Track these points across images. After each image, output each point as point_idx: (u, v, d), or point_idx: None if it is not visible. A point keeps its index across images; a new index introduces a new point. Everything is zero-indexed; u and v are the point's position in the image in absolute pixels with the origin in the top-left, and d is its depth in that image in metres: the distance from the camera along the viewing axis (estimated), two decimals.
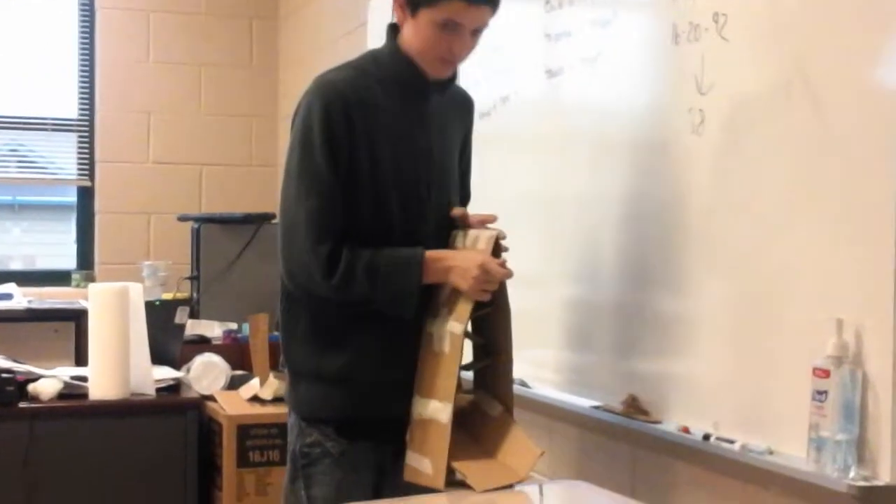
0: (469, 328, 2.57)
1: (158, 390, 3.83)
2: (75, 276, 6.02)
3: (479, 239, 2.60)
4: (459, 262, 2.56)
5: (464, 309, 2.55)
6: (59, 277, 6.13)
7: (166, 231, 6.00)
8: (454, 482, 2.57)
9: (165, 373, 3.97)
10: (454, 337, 2.54)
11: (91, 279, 5.81)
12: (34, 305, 5.34)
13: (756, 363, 2.39)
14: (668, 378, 2.69)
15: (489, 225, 2.67)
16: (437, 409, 2.54)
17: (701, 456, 2.53)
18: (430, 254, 2.57)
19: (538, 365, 3.22)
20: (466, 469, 2.54)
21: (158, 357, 4.12)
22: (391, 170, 2.59)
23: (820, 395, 2.17)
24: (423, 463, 2.55)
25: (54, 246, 6.42)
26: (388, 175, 2.58)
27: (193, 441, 3.77)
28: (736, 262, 2.46)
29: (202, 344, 4.51)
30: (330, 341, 2.62)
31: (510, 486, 2.51)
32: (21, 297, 5.46)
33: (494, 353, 2.68)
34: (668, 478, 2.70)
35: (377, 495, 2.64)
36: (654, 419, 2.70)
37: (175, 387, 3.94)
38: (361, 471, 2.66)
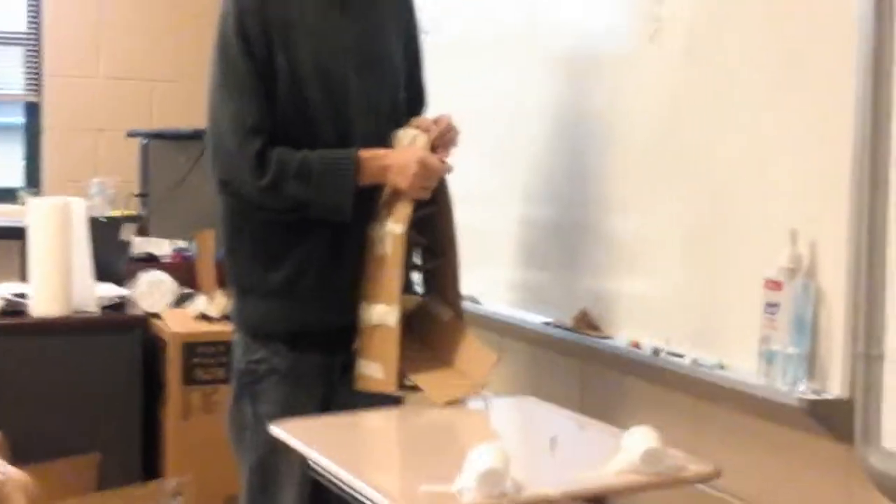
0: (412, 231, 2.51)
1: (103, 308, 3.74)
2: (21, 194, 5.87)
3: (416, 138, 2.53)
4: (396, 159, 2.49)
5: (404, 208, 2.49)
6: (4, 196, 5.98)
7: (116, 148, 5.85)
8: (407, 388, 2.52)
9: (110, 290, 3.87)
10: (395, 238, 2.47)
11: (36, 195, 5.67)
12: None
13: (708, 277, 2.34)
14: (620, 294, 2.63)
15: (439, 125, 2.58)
16: (384, 313, 2.48)
17: (651, 371, 2.48)
18: (366, 153, 2.50)
19: (490, 282, 3.16)
20: (424, 381, 2.49)
21: (104, 275, 4.02)
22: (311, 63, 2.51)
23: (771, 307, 2.11)
24: (374, 368, 2.50)
25: (1, 166, 6.27)
26: (307, 69, 2.50)
27: (138, 359, 3.68)
28: (689, 175, 2.39)
29: (151, 262, 4.41)
30: (272, 255, 2.55)
31: (467, 397, 2.46)
32: None
33: (440, 254, 2.61)
34: (618, 394, 2.66)
35: (326, 410, 2.58)
36: (604, 334, 2.64)
37: (120, 305, 3.85)
38: (309, 386, 2.59)
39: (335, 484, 2.03)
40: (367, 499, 1.88)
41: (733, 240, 2.26)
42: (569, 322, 2.75)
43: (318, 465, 2.09)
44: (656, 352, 2.44)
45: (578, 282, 2.78)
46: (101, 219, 4.21)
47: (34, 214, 3.56)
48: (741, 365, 2.20)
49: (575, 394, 2.81)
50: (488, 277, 3.17)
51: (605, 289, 2.68)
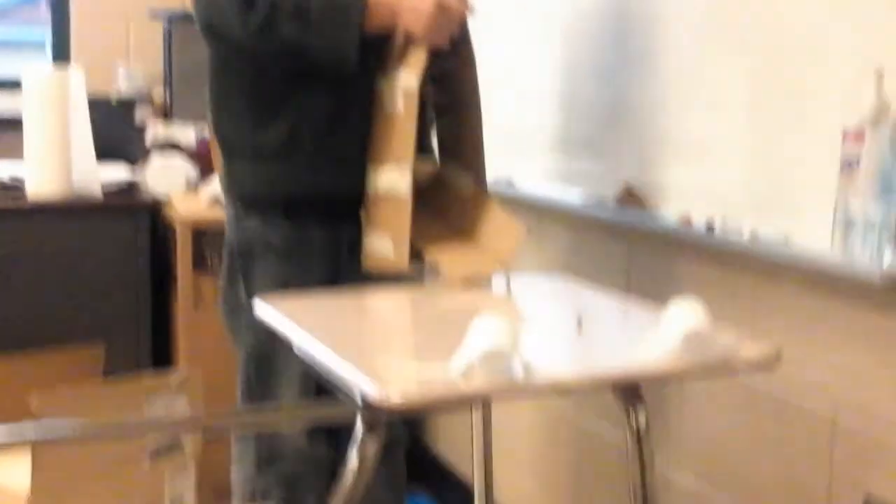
0: (428, 87, 2.15)
1: (110, 193, 3.43)
2: None
3: None
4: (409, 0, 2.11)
5: (418, 58, 2.12)
6: None
7: (146, 34, 5.55)
8: (422, 266, 2.18)
9: (117, 173, 3.55)
10: (408, 92, 2.11)
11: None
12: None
13: (771, 134, 1.95)
14: (668, 164, 2.25)
15: None
16: (393, 179, 2.13)
17: (705, 250, 2.10)
18: None
19: (525, 162, 2.79)
20: (441, 257, 2.15)
21: (116, 159, 3.72)
22: None
23: (850, 164, 1.72)
24: (382, 243, 2.16)
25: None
26: None
27: (145, 246, 3.37)
28: (753, 19, 1.99)
29: (172, 149, 4.09)
30: (266, 109, 2.20)
31: (490, 276, 2.11)
32: None
33: (460, 114, 2.24)
34: (668, 277, 2.28)
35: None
36: (651, 210, 2.27)
37: (128, 189, 3.53)
38: (311, 264, 2.26)
39: (316, 366, 1.69)
40: (346, 380, 1.54)
41: (803, 85, 1.86)
42: (612, 198, 2.38)
43: (300, 345, 1.76)
44: (710, 227, 2.07)
45: (622, 157, 2.40)
46: (112, 100, 3.87)
47: (29, 87, 3.24)
48: (810, 237, 1.82)
49: (620, 280, 2.45)
50: (524, 157, 2.81)
51: (651, 161, 2.29)
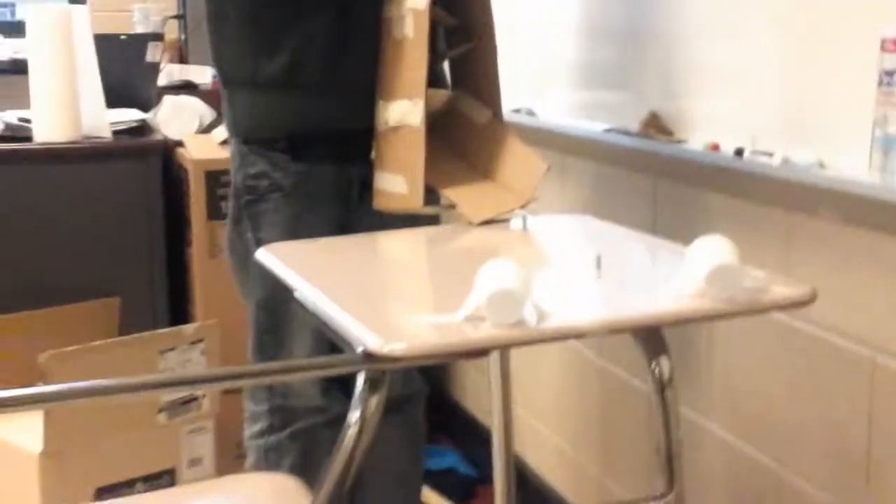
0: (437, 8, 2.02)
1: (119, 133, 3.32)
2: None
3: None
4: None
5: None
6: None
7: None
8: (437, 205, 2.06)
9: (127, 115, 3.44)
10: (418, 15, 1.97)
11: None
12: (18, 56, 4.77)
13: (803, 51, 1.81)
14: (694, 89, 2.12)
15: None
16: (405, 111, 2.00)
17: (733, 178, 1.97)
18: None
19: (546, 91, 2.66)
20: (457, 196, 2.02)
21: (128, 101, 3.60)
22: None
23: (890, 76, 1.59)
24: (394, 181, 2.03)
25: None
26: None
27: (156, 190, 3.25)
28: None
29: (188, 90, 3.97)
30: (265, 37, 2.08)
31: (509, 215, 1.98)
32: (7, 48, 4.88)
33: (473, 37, 2.11)
34: (695, 210, 2.15)
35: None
36: (677, 138, 2.14)
37: (139, 130, 3.42)
38: (320, 205, 2.15)
39: (318, 317, 1.58)
40: (347, 331, 1.43)
41: None
42: (635, 127, 2.25)
43: (300, 295, 1.65)
44: (739, 153, 1.94)
45: (647, 85, 2.27)
46: (120, 36, 3.75)
47: (33, 26, 3.12)
48: (847, 161, 1.69)
49: (646, 214, 2.32)
50: (544, 87, 2.68)
51: (677, 88, 2.16)
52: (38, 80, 3.11)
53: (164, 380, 1.96)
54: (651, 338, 1.53)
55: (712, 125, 2.06)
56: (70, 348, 2.59)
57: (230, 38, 2.11)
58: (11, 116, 3.25)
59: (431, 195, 2.03)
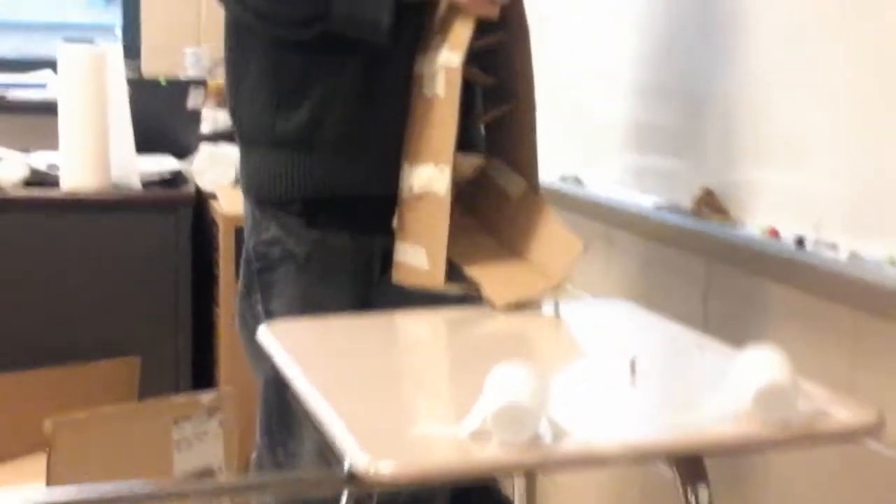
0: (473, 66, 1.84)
1: (152, 184, 3.17)
2: None
3: None
4: None
5: (462, 31, 1.80)
6: None
7: (216, 14, 5.29)
8: (461, 283, 1.86)
9: (162, 163, 3.29)
10: (450, 72, 1.79)
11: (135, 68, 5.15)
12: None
13: (878, 133, 1.60)
14: (754, 164, 1.91)
15: None
16: (430, 177, 1.82)
17: (794, 269, 1.75)
18: None
19: (592, 159, 2.47)
20: (482, 275, 1.83)
21: (167, 148, 3.46)
22: None
23: None
24: (416, 254, 1.85)
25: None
26: None
27: (185, 245, 3.09)
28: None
29: (230, 138, 3.81)
30: (286, 88, 1.91)
31: (539, 300, 1.79)
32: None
33: (511, 99, 1.93)
34: (751, 301, 1.94)
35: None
36: (732, 220, 1.93)
37: (172, 181, 3.27)
38: (337, 278, 1.97)
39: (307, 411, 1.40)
40: (332, 433, 1.25)
41: None
42: (688, 204, 2.05)
43: (294, 386, 1.47)
44: (801, 242, 1.73)
45: (701, 153, 2.07)
46: (159, 80, 3.61)
47: (65, 66, 2.99)
48: None
49: (697, 301, 2.11)
50: (592, 152, 2.49)
51: (734, 159, 1.96)
52: (68, 124, 2.98)
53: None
54: (688, 465, 1.32)
55: (772, 206, 1.85)
56: (78, 415, 2.42)
57: (248, 90, 1.95)
58: (40, 161, 3.12)
59: (455, 270, 1.84)
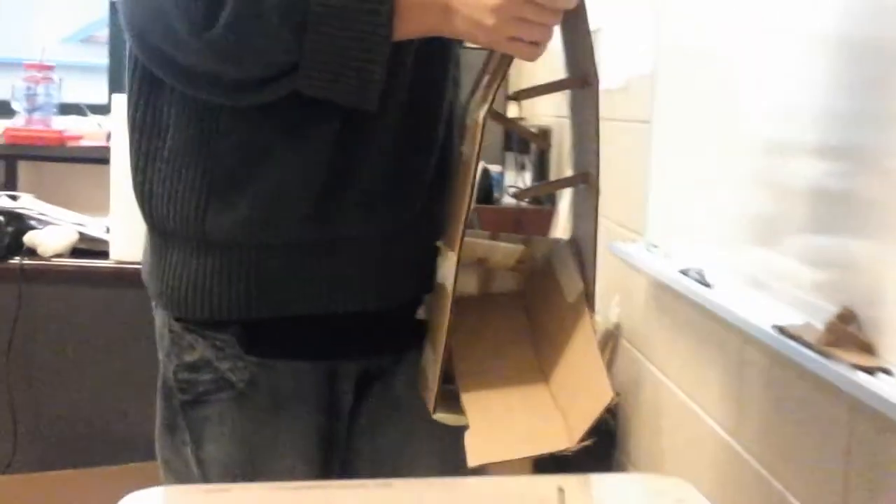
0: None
1: None
2: None
3: None
4: None
5: (494, 75, 1.32)
6: None
7: None
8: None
9: None
10: (472, 130, 1.32)
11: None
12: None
13: None
14: None
15: None
16: (443, 268, 1.37)
17: None
18: None
19: (717, 248, 1.91)
20: (476, 414, 1.31)
21: None
22: None
23: None
24: (426, 359, 1.41)
25: None
26: None
27: None
28: None
29: None
30: (223, 172, 1.35)
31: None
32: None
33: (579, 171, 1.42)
34: None
35: (328, 458, 1.44)
36: (876, 362, 1.33)
37: None
38: (290, 410, 1.43)
39: None
40: None
41: None
42: (819, 327, 1.45)
43: None
44: None
45: (842, 268, 1.47)
46: None
47: (118, 116, 2.57)
48: None
49: (834, 454, 1.51)
50: (717, 245, 1.92)
51: (884, 278, 1.36)
52: (120, 185, 2.55)
53: None
54: None
55: None
56: None
57: (167, 168, 1.38)
58: (94, 226, 2.70)
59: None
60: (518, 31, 1.24)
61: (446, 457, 1.40)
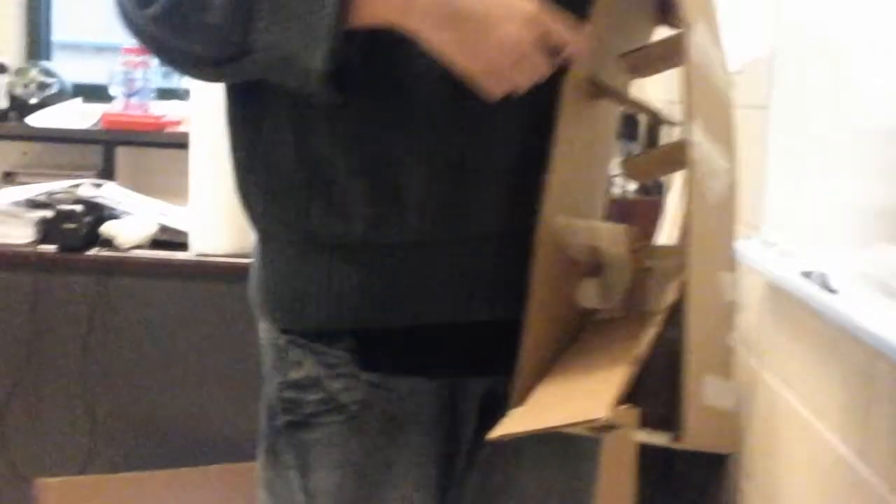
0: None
1: None
2: None
3: None
4: None
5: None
6: None
7: None
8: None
9: None
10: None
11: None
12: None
13: None
14: None
15: None
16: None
17: None
18: None
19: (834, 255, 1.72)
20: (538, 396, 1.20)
21: None
22: None
23: None
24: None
25: None
26: None
27: None
28: None
29: None
30: (327, 164, 1.23)
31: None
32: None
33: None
34: None
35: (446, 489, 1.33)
36: None
37: None
38: (407, 440, 1.29)
39: None
40: None
41: None
42: None
43: None
44: None
45: None
46: None
47: (197, 100, 2.45)
48: None
49: None
50: (829, 247, 1.74)
51: None
52: (200, 174, 2.43)
53: None
54: None
55: None
56: None
57: (263, 172, 1.28)
58: (174, 217, 2.59)
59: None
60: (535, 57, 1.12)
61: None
